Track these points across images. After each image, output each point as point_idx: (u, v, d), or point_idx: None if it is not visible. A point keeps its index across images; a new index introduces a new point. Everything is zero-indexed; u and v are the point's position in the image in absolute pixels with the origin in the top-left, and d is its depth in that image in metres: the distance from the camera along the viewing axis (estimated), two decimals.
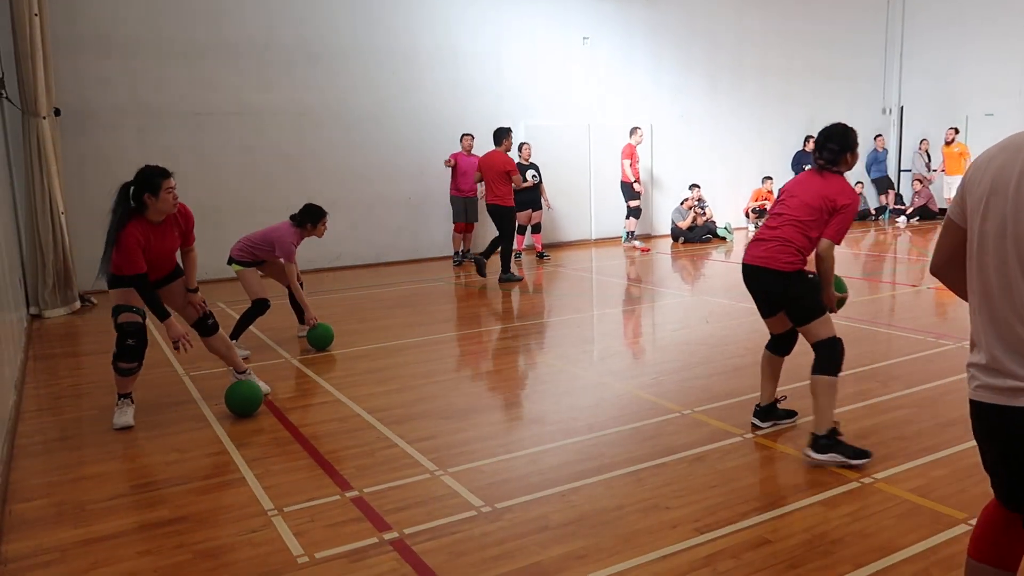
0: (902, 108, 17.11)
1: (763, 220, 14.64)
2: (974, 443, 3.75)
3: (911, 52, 16.79)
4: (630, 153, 12.54)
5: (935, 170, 15.57)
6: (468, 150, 11.31)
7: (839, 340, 3.97)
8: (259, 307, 6.40)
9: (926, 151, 15.90)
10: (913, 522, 3.25)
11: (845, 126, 4.09)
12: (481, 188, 10.41)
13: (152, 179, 4.55)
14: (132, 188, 4.58)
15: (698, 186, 13.61)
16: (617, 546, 3.15)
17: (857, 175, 16.34)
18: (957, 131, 14.88)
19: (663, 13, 13.97)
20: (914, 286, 9.13)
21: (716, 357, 6.01)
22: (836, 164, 4.01)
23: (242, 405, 4.84)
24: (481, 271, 9.75)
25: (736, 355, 6.05)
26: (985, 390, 1.97)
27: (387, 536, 3.26)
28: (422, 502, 3.59)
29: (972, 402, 2.06)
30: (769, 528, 3.25)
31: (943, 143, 14.88)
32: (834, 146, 3.99)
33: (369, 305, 8.57)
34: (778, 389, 4.48)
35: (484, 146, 11.29)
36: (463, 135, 11.38)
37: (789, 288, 4.00)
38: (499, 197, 9.60)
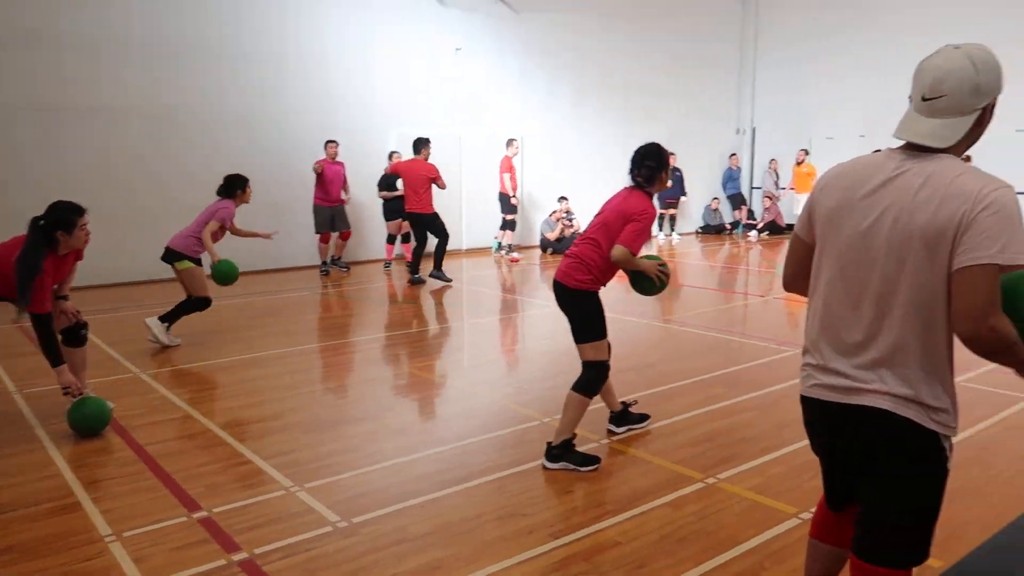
0: (754, 129, 18.29)
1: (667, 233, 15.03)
2: (808, 442, 4.06)
3: (762, 78, 17.99)
4: (508, 166, 12.72)
5: (783, 188, 16.72)
6: (333, 157, 11.03)
7: (605, 366, 4.15)
8: (204, 303, 6.83)
9: (775, 170, 17.04)
10: (751, 518, 3.47)
11: (659, 145, 4.18)
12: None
13: (67, 216, 4.46)
14: (43, 223, 4.41)
15: (566, 198, 13.97)
16: (473, 555, 3.17)
17: (713, 191, 17.34)
18: (807, 152, 16.01)
19: (532, 28, 14.28)
20: (762, 296, 9.75)
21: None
22: (652, 183, 4.09)
23: (88, 422, 4.52)
24: (444, 279, 9.98)
25: None
26: (820, 388, 2.12)
27: (236, 557, 3.14)
28: (275, 520, 3.48)
29: (805, 399, 2.21)
30: (620, 531, 3.37)
31: (794, 163, 15.98)
32: (652, 163, 4.08)
33: (229, 316, 8.22)
34: (632, 395, 4.66)
35: (350, 154, 11.14)
36: (328, 142, 11.07)
37: (574, 306, 4.12)
38: (422, 205, 9.73)
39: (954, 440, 2.06)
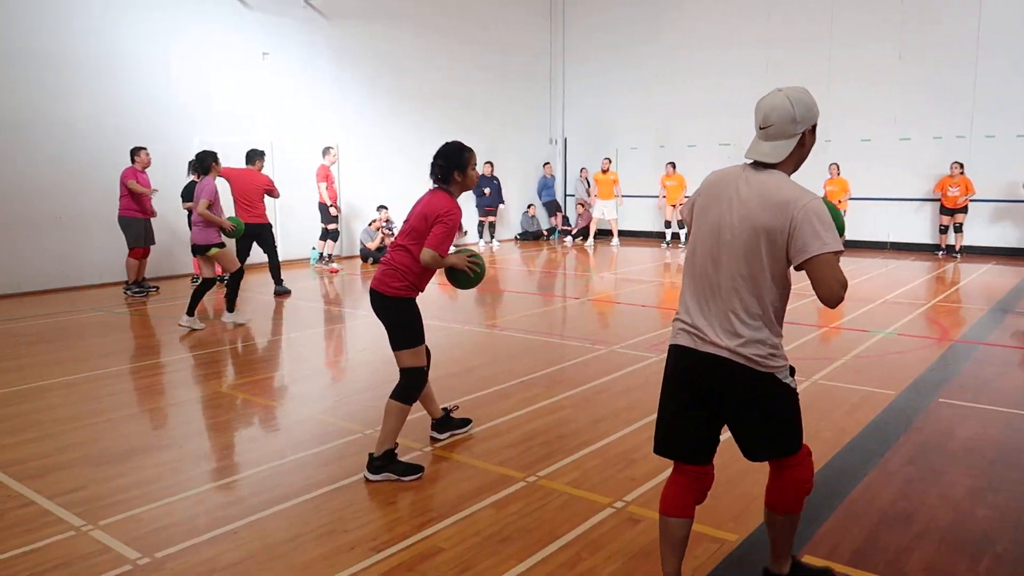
0: (566, 139, 19.09)
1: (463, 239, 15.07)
2: (622, 434, 4.23)
3: (572, 92, 18.84)
4: (325, 175, 12.36)
5: (592, 195, 17.55)
6: (144, 166, 10.12)
7: (422, 372, 4.15)
8: (239, 274, 8.21)
9: (586, 178, 17.88)
10: (569, 512, 3.58)
11: (460, 144, 4.14)
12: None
13: None
14: None
15: (386, 207, 13.84)
16: None
17: (529, 199, 17.89)
18: (610, 160, 16.92)
19: (346, 34, 14.03)
20: (578, 298, 10.17)
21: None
22: (446, 182, 4.07)
23: None
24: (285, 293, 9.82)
25: None
26: (684, 335, 2.67)
27: None
28: (65, 564, 3.13)
29: (672, 346, 2.73)
30: (444, 537, 3.35)
31: (599, 171, 16.82)
32: (442, 162, 4.06)
33: (4, 341, 7.34)
34: (454, 400, 4.66)
35: (151, 164, 10.35)
36: (138, 149, 10.08)
37: (391, 313, 4.10)
38: (258, 216, 9.21)
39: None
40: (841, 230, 2.54)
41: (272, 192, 9.51)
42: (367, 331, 8.13)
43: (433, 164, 4.08)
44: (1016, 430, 4.71)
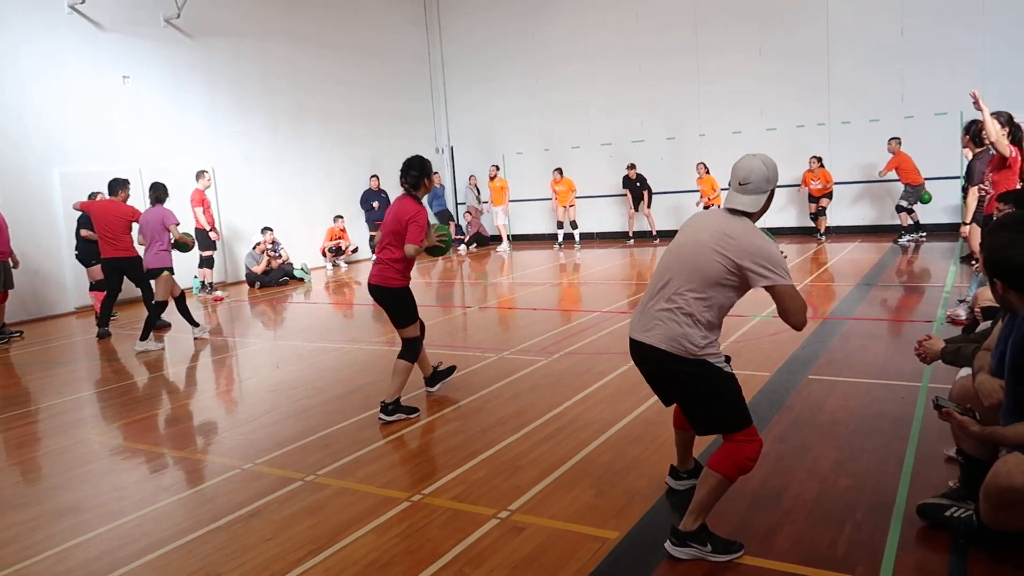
0: (452, 148, 19.09)
1: (340, 258, 15.02)
2: (510, 441, 4.26)
3: (454, 101, 18.86)
4: (200, 199, 11.86)
5: (485, 202, 17.63)
6: None
7: (420, 340, 5.37)
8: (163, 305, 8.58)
9: (475, 185, 17.94)
10: (452, 528, 3.54)
11: (422, 157, 5.30)
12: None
13: None
14: None
15: (270, 229, 13.44)
16: None
17: None
18: (498, 168, 17.05)
19: (212, 55, 13.56)
20: (470, 307, 10.16)
21: (283, 402, 5.93)
22: (416, 188, 5.18)
23: None
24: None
25: (304, 396, 6.04)
26: (632, 328, 3.31)
27: None
28: None
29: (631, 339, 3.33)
30: (323, 569, 3.25)
31: (488, 178, 16.92)
32: (415, 172, 5.17)
33: None
34: (346, 421, 4.55)
35: (4, 201, 9.66)
36: None
37: (390, 301, 5.25)
38: (124, 249, 8.86)
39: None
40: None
41: (137, 222, 8.91)
42: (249, 360, 7.87)
43: (405, 174, 5.18)
44: (874, 399, 4.99)
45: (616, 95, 16.64)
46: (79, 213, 9.92)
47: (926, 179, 13.01)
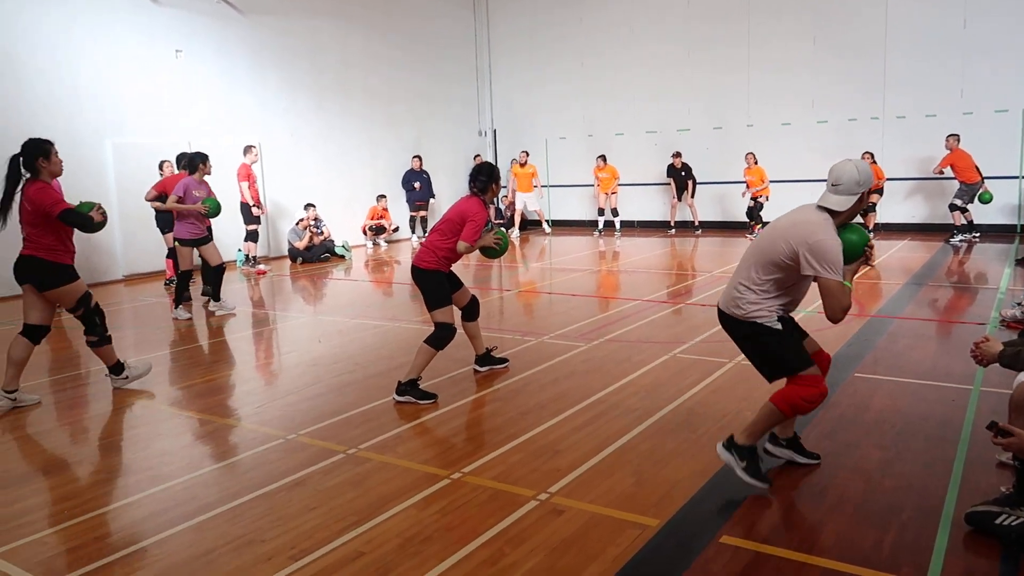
0: (495, 131, 19.05)
1: (380, 237, 15.15)
2: (548, 425, 4.30)
3: (498, 84, 18.80)
4: (247, 174, 12.00)
5: (505, 186, 17.55)
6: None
7: (451, 328, 5.29)
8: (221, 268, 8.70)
9: None
10: (492, 507, 3.56)
11: (491, 164, 5.62)
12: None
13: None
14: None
15: (313, 205, 13.57)
16: None
17: (461, 192, 17.68)
18: (528, 153, 16.86)
19: (264, 31, 13.68)
20: (509, 290, 10.16)
21: (324, 376, 6.01)
22: (484, 192, 5.40)
23: None
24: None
25: (345, 371, 6.12)
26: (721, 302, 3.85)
27: None
28: None
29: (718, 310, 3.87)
30: (364, 540, 3.30)
31: (517, 164, 16.71)
32: (483, 178, 5.41)
33: None
34: (386, 398, 4.60)
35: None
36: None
37: (424, 282, 5.35)
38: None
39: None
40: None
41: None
42: (291, 333, 7.98)
43: (475, 179, 5.43)
44: (922, 400, 4.89)
45: (663, 82, 16.42)
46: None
47: (987, 176, 12.63)
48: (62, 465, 4.38)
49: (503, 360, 6.01)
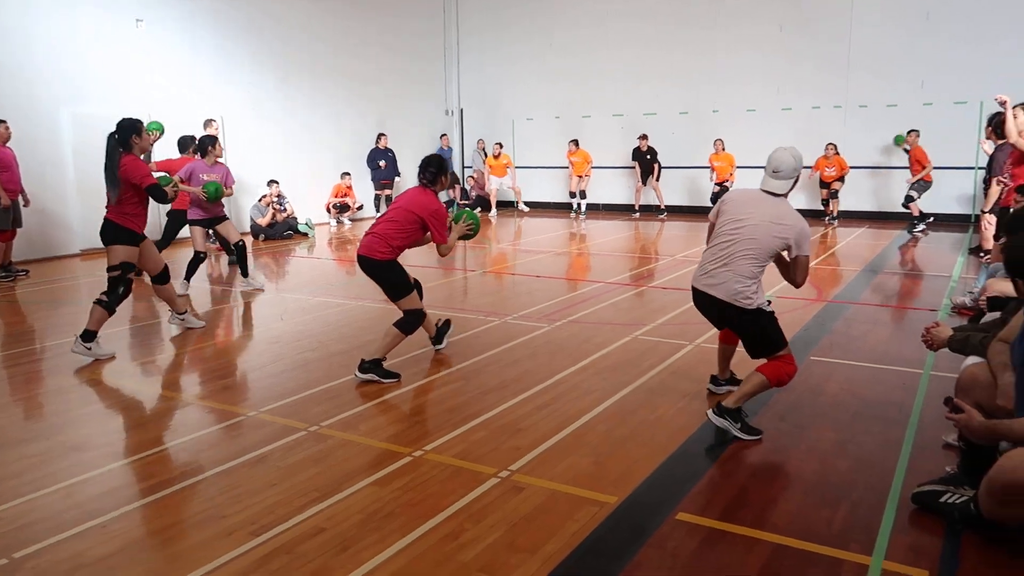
0: (462, 110, 18.94)
1: (344, 215, 15.00)
2: (510, 404, 4.32)
3: (466, 63, 18.66)
4: None
5: (481, 172, 17.51)
6: (4, 140, 9.36)
7: (421, 312, 5.37)
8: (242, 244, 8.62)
9: (483, 149, 17.82)
10: (453, 484, 3.60)
11: (440, 156, 5.50)
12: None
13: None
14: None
15: (276, 182, 13.39)
16: (164, 569, 2.93)
17: None
18: (501, 146, 16.84)
19: (229, 4, 13.38)
20: (474, 271, 10.17)
21: (286, 354, 5.97)
22: (434, 184, 5.34)
23: None
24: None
25: (308, 349, 6.09)
26: (697, 281, 4.31)
27: None
28: None
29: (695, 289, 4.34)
30: (325, 516, 3.31)
31: (491, 156, 16.75)
32: (433, 169, 5.34)
33: None
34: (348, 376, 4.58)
35: (12, 140, 9.59)
36: None
37: (382, 274, 5.24)
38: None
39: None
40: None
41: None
42: (255, 311, 7.89)
43: (424, 170, 5.34)
44: (875, 383, 5.03)
45: (631, 66, 16.46)
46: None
47: (939, 167, 12.94)
48: (16, 440, 4.30)
49: (447, 323, 5.99)
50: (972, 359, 3.65)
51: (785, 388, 4.91)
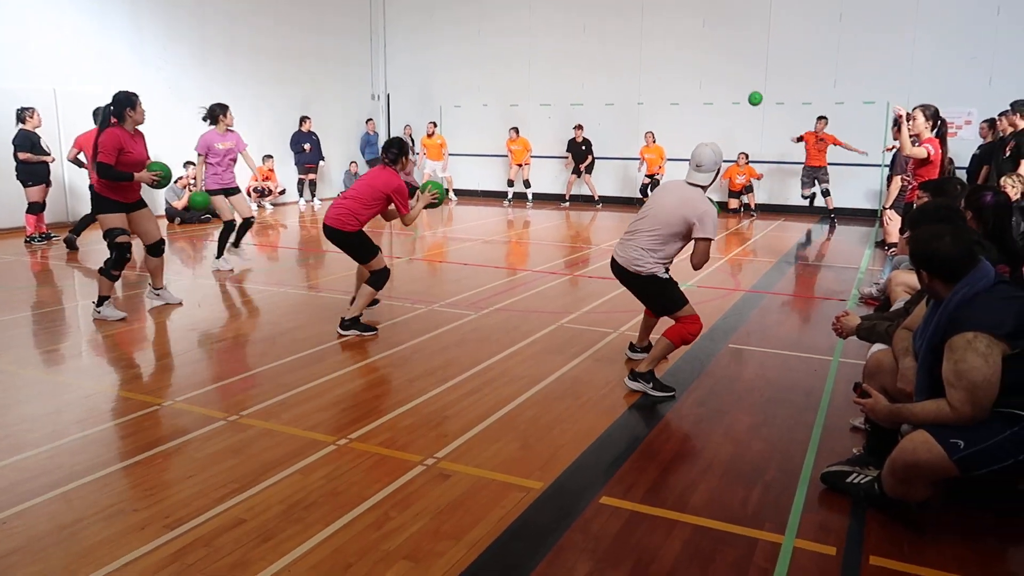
0: (389, 95, 18.66)
1: (266, 199, 14.54)
2: (436, 392, 4.30)
3: (393, 46, 18.37)
4: None
5: (418, 154, 17.35)
6: None
7: (387, 271, 5.97)
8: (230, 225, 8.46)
9: (410, 135, 17.61)
10: (379, 472, 3.56)
11: (401, 139, 6.10)
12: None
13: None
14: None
15: (193, 163, 12.88)
16: (71, 565, 2.80)
17: (351, 156, 17.34)
18: (435, 124, 16.76)
19: None
20: (400, 257, 10.07)
21: (204, 341, 5.79)
22: (395, 163, 5.88)
23: None
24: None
25: (227, 336, 5.92)
26: (615, 252, 4.85)
27: None
28: None
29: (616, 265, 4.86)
30: (245, 508, 3.22)
31: (425, 135, 16.62)
32: (395, 151, 5.89)
33: None
34: (266, 365, 4.47)
35: None
36: None
37: (349, 243, 5.86)
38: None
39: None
40: None
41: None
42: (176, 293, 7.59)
43: (387, 150, 5.89)
44: (788, 369, 5.23)
45: (558, 55, 16.54)
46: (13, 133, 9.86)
47: (847, 164, 13.56)
48: None
49: (373, 331, 5.92)
50: (878, 346, 3.83)
51: (704, 373, 5.08)
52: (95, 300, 6.40)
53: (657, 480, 3.55)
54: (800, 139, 13.62)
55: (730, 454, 3.84)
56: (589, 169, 16.05)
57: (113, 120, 6.13)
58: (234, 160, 8.48)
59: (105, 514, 3.16)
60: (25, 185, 10.01)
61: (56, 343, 5.88)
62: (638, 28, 15.74)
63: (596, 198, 16.15)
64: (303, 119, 15.52)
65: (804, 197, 13.71)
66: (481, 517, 3.16)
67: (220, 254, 8.53)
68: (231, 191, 8.44)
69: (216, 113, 8.22)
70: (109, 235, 6.24)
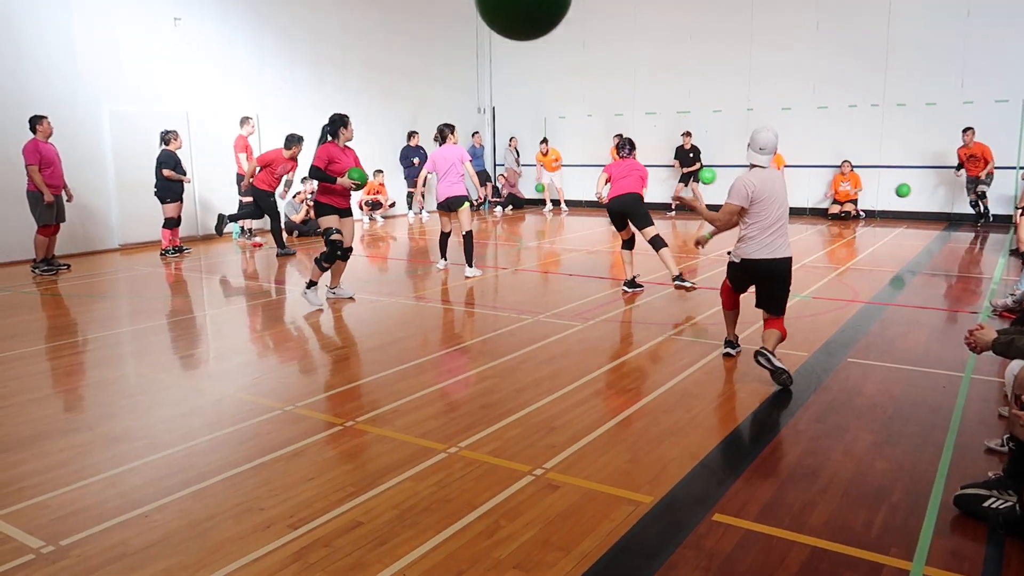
0: (494, 108, 18.95)
1: (377, 212, 15.07)
2: (544, 402, 4.31)
3: (499, 60, 18.65)
4: (244, 146, 11.95)
5: (524, 165, 17.56)
6: (47, 136, 9.52)
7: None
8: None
9: (515, 147, 17.82)
10: (489, 481, 3.61)
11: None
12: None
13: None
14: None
15: (311, 179, 13.47)
16: (203, 559, 2.98)
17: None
18: (547, 141, 16.97)
19: (264, 3, 13.54)
20: (506, 268, 10.18)
21: (322, 349, 6.03)
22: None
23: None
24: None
25: (343, 345, 6.15)
26: (766, 252, 5.01)
27: None
28: None
29: (744, 260, 5.09)
30: (362, 511, 3.34)
31: (539, 153, 17.06)
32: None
33: None
34: (379, 373, 4.60)
35: (55, 136, 9.78)
36: (39, 118, 9.43)
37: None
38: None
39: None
40: None
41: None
42: (290, 307, 7.98)
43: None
44: (914, 386, 4.95)
45: (665, 61, 16.34)
46: (159, 151, 10.85)
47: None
48: (60, 431, 4.41)
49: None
50: (1017, 363, 3.57)
51: (821, 388, 4.88)
52: (306, 282, 7.44)
53: (773, 498, 3.44)
54: (960, 166, 13.05)
55: (851, 473, 3.67)
56: (696, 177, 15.75)
57: (329, 138, 7.25)
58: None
59: (233, 512, 3.35)
60: (163, 202, 10.79)
61: (189, 349, 6.28)
62: (747, 30, 15.35)
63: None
64: (411, 134, 15.97)
65: (972, 205, 13.13)
66: (591, 529, 3.15)
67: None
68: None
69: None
70: (326, 233, 7.25)
